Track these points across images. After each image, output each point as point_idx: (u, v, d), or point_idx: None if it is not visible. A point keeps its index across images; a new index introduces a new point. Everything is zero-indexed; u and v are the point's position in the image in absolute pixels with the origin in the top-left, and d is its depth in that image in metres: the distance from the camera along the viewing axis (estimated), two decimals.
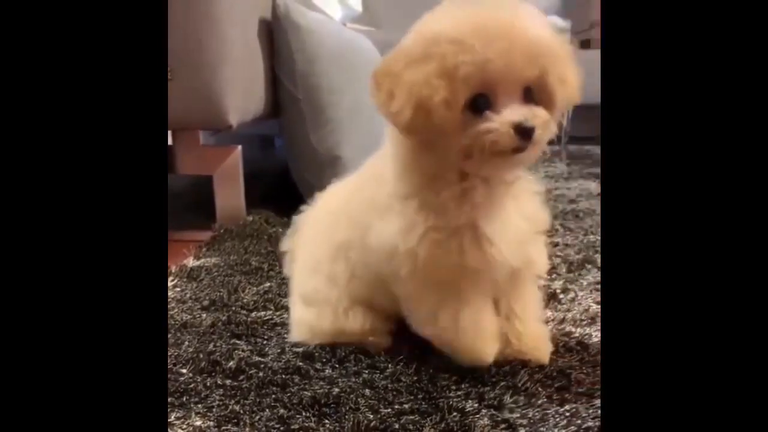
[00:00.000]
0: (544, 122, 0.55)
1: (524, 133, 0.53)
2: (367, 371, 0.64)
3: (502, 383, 0.61)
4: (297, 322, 0.73)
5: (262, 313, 0.80)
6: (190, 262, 1.01)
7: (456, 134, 0.55)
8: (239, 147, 1.24)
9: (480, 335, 0.64)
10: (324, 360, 0.67)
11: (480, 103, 0.54)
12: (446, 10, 0.56)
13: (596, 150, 2.71)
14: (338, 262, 0.69)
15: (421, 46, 0.54)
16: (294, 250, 0.79)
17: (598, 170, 2.13)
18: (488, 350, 0.64)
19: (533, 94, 0.56)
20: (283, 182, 1.41)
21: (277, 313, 0.80)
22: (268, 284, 0.91)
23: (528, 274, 0.67)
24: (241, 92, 1.15)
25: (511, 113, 0.54)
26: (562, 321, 0.76)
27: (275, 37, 1.27)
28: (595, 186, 1.79)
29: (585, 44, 2.10)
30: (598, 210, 1.45)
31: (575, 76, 0.58)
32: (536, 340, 0.67)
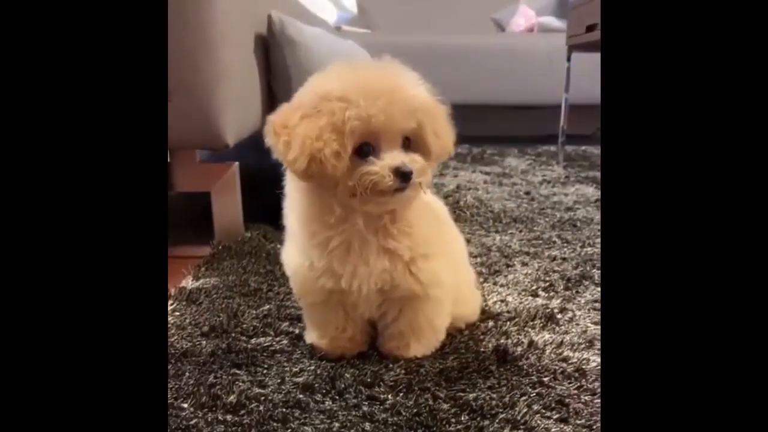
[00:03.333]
0: (422, 167, 0.65)
1: (403, 176, 0.63)
2: (366, 403, 0.65)
3: (501, 415, 0.62)
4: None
5: (262, 339, 0.80)
6: (189, 283, 1.01)
7: (344, 177, 0.64)
8: (236, 163, 1.24)
9: (324, 337, 0.76)
10: (324, 391, 0.67)
11: (365, 150, 0.64)
12: (336, 71, 0.66)
13: (593, 150, 2.71)
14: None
15: (313, 102, 0.63)
16: None
17: (595, 173, 2.13)
18: (356, 347, 0.77)
19: (411, 143, 0.66)
20: (280, 188, 1.40)
21: (277, 339, 0.80)
22: (267, 307, 0.91)
23: (410, 294, 0.72)
24: (238, 111, 1.15)
25: (392, 159, 0.63)
26: (560, 344, 0.77)
27: (271, 52, 1.27)
28: (592, 191, 1.79)
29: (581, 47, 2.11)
30: (597, 218, 1.45)
31: (448, 130, 0.69)
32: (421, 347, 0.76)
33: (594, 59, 2.50)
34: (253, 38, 1.24)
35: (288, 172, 0.71)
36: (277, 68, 1.27)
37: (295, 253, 0.74)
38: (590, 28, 1.94)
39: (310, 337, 0.78)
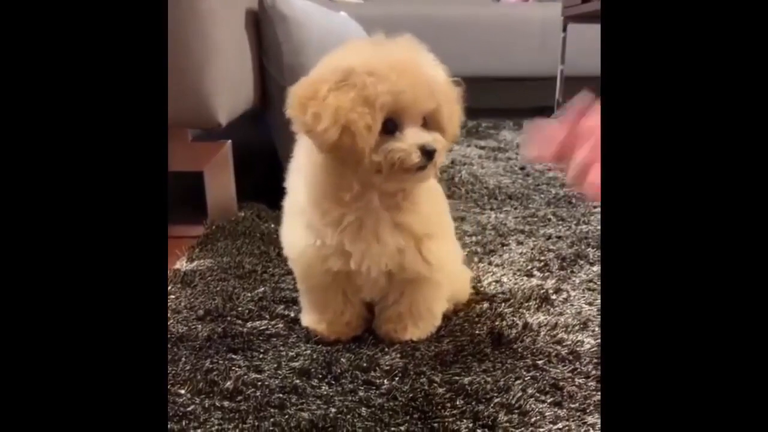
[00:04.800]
0: (443, 146, 0.66)
1: (428, 154, 0.64)
2: (362, 388, 0.65)
3: (496, 399, 0.62)
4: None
5: (258, 323, 0.80)
6: (184, 265, 1.01)
7: (370, 153, 0.63)
8: (229, 141, 1.22)
9: (322, 321, 0.76)
10: (320, 376, 0.67)
11: (390, 127, 0.64)
12: (355, 48, 0.66)
13: None
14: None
15: (339, 76, 0.62)
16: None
17: None
18: (351, 332, 0.77)
19: (427, 124, 0.66)
20: (273, 164, 1.39)
21: (272, 323, 0.81)
22: (262, 289, 0.91)
23: (416, 277, 0.73)
24: (230, 89, 1.13)
25: (418, 136, 0.64)
26: (555, 326, 0.77)
27: (262, 28, 1.24)
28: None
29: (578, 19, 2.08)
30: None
31: (458, 115, 0.69)
32: (418, 331, 0.76)
33: (590, 30, 2.48)
34: (244, 14, 1.22)
35: (302, 148, 0.71)
36: (268, 44, 1.25)
37: (301, 232, 0.72)
38: None
39: (307, 320, 0.78)
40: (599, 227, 1.18)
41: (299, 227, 0.72)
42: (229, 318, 0.82)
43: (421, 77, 0.63)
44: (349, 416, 0.60)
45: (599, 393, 0.63)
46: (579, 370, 0.67)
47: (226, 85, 1.11)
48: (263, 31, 1.24)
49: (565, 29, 2.24)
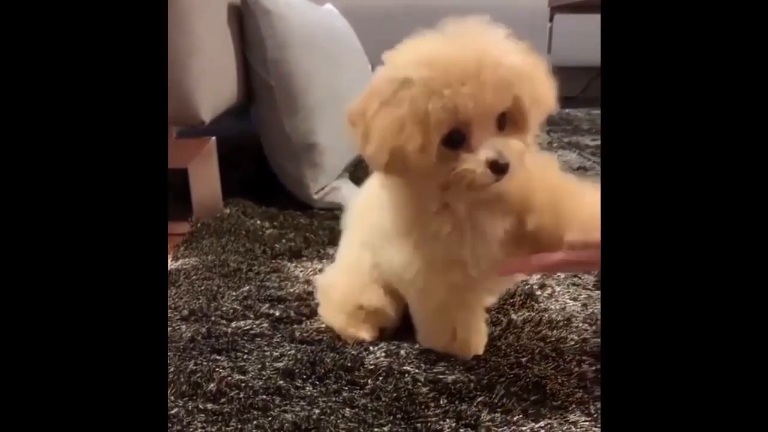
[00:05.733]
0: (519, 153, 0.57)
1: (500, 169, 0.56)
2: (347, 388, 0.65)
3: (479, 398, 0.63)
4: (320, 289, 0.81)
5: (242, 323, 0.80)
6: (169, 264, 1.00)
7: (432, 171, 0.57)
8: (213, 138, 1.21)
9: (471, 340, 0.71)
10: (304, 377, 0.67)
11: (455, 139, 0.56)
12: (412, 48, 0.58)
13: (577, 113, 2.70)
14: (364, 253, 0.75)
15: (392, 88, 0.56)
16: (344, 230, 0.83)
17: (577, 138, 2.13)
18: (479, 347, 0.72)
19: (507, 118, 0.58)
20: (260, 159, 1.38)
21: (257, 322, 0.80)
22: (246, 288, 0.91)
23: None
24: (213, 86, 1.12)
25: (486, 151, 0.56)
26: (539, 323, 0.78)
27: (245, 23, 1.23)
28: (575, 158, 1.79)
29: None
30: None
31: (548, 91, 0.59)
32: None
33: (577, 20, 2.48)
34: (226, 9, 1.20)
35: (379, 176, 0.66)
36: (252, 39, 1.23)
37: (403, 259, 0.65)
38: None
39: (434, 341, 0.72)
40: None
41: (402, 250, 0.66)
42: (213, 318, 0.81)
43: (489, 78, 0.54)
44: (332, 417, 0.60)
45: (581, 390, 0.64)
46: (562, 367, 0.68)
47: (209, 81, 1.10)
48: (246, 26, 1.23)
49: (551, 19, 2.24)
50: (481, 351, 0.71)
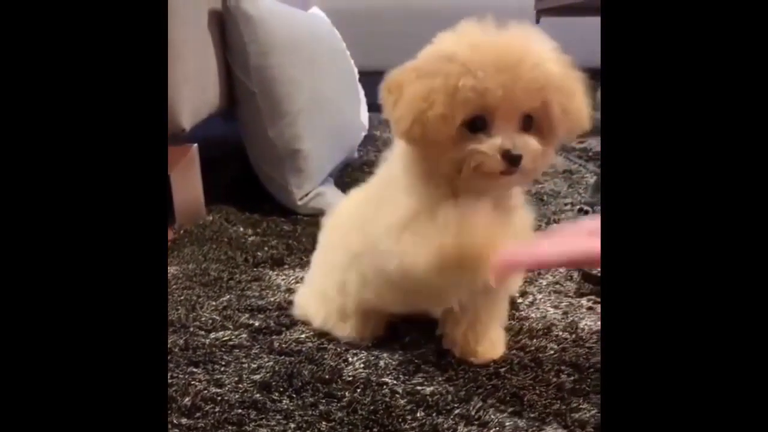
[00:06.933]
0: (534, 152, 0.59)
1: (511, 159, 0.57)
2: (324, 401, 0.65)
3: (456, 411, 0.62)
4: (298, 303, 0.83)
5: (221, 334, 0.79)
6: None
7: (450, 148, 0.59)
8: (195, 145, 1.20)
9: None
10: (281, 389, 0.67)
11: (477, 124, 0.58)
12: (464, 32, 0.60)
13: None
14: (350, 272, 0.73)
15: (432, 62, 0.59)
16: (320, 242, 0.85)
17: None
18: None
19: (534, 121, 0.60)
20: (245, 161, 1.37)
21: (236, 333, 0.80)
22: (227, 297, 0.90)
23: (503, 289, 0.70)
24: (193, 93, 1.11)
25: (502, 139, 0.58)
26: (519, 332, 0.77)
27: (227, 29, 1.22)
28: (561, 160, 1.79)
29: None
30: (563, 191, 1.46)
31: (581, 106, 0.61)
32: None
33: (565, 21, 2.48)
34: (207, 14, 1.20)
35: (400, 146, 0.67)
36: (234, 45, 1.23)
37: (417, 239, 0.61)
38: None
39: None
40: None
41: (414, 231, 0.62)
42: (191, 329, 0.80)
43: (521, 75, 0.56)
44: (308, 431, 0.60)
45: (559, 402, 0.63)
46: (540, 377, 0.67)
47: (190, 88, 1.09)
48: (228, 32, 1.22)
49: (538, 21, 2.24)
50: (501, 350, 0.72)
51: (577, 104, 0.60)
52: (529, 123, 0.60)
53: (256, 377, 0.69)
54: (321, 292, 0.79)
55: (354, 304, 0.75)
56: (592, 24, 2.39)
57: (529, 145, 0.58)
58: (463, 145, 0.58)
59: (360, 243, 0.70)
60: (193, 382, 0.68)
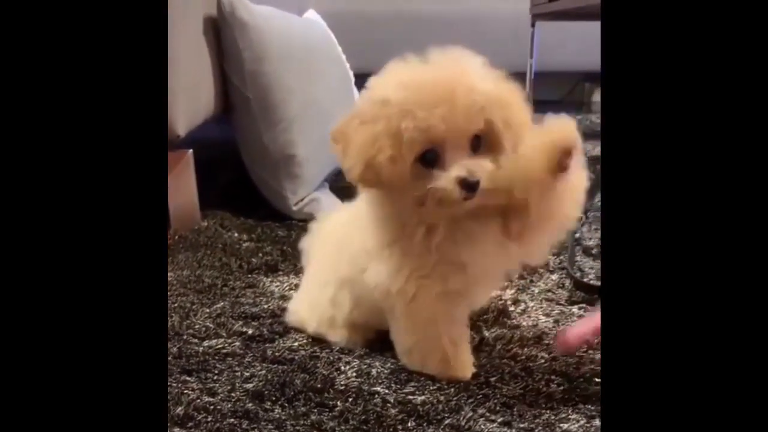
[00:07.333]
0: (490, 172, 0.60)
1: (469, 186, 0.59)
2: (316, 411, 0.65)
3: (447, 420, 0.63)
4: (292, 310, 0.83)
5: (214, 342, 0.80)
6: None
7: (407, 186, 0.61)
8: (190, 151, 1.21)
9: (459, 359, 0.70)
10: (273, 398, 0.67)
11: (429, 158, 0.60)
12: (392, 73, 0.63)
13: None
14: (343, 291, 0.76)
15: (371, 108, 0.61)
16: (308, 251, 0.86)
17: None
18: (467, 371, 0.70)
19: (482, 140, 0.62)
20: (240, 165, 1.38)
21: (229, 341, 0.80)
22: (220, 304, 0.90)
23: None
24: (188, 99, 1.11)
25: (456, 169, 0.59)
26: (510, 341, 0.78)
27: (222, 35, 1.23)
28: None
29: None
30: None
31: (522, 116, 0.63)
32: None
33: (560, 26, 2.49)
34: (202, 21, 1.20)
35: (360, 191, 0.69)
36: (229, 51, 1.23)
37: (392, 267, 0.66)
38: None
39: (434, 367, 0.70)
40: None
41: (390, 260, 0.66)
42: (185, 336, 0.81)
43: (461, 102, 0.58)
44: None
45: (548, 411, 0.64)
46: (530, 387, 0.68)
47: (185, 94, 1.10)
48: (223, 39, 1.23)
49: (533, 25, 2.25)
50: (469, 373, 0.70)
51: (518, 115, 0.62)
52: (478, 144, 0.62)
53: (249, 386, 0.69)
54: (314, 301, 0.80)
55: (345, 317, 0.76)
56: (587, 28, 2.41)
57: (483, 167, 0.60)
58: (421, 182, 0.60)
59: (347, 269, 0.73)
60: (186, 391, 0.68)
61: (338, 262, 0.75)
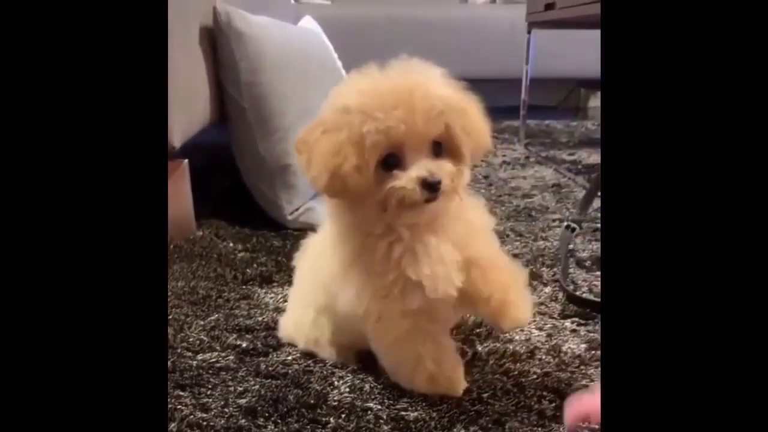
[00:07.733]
0: (450, 173, 0.62)
1: (430, 186, 0.60)
2: (309, 427, 0.65)
3: None
4: (282, 326, 0.84)
5: (208, 355, 0.80)
6: None
7: (371, 192, 0.61)
8: (186, 161, 1.21)
9: (446, 376, 0.70)
10: (266, 415, 0.67)
11: (390, 162, 0.61)
12: (353, 82, 0.64)
13: (556, 125, 2.72)
14: (322, 318, 0.77)
15: (333, 117, 0.61)
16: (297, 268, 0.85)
17: (554, 153, 2.14)
18: (458, 387, 0.70)
19: (443, 146, 0.63)
20: (235, 171, 1.38)
21: (223, 354, 0.80)
22: (215, 316, 0.90)
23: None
24: (184, 110, 1.11)
25: (417, 169, 0.60)
26: (503, 355, 0.78)
27: (218, 45, 1.23)
28: (551, 174, 1.80)
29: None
30: (552, 206, 1.47)
31: (481, 125, 0.65)
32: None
33: (555, 34, 2.50)
34: (198, 30, 1.20)
35: (325, 203, 0.70)
36: (225, 61, 1.23)
37: (356, 288, 0.66)
38: (549, 6, 1.92)
39: (424, 388, 0.70)
40: (556, 242, 1.19)
41: (355, 279, 0.67)
42: (179, 350, 0.81)
43: (419, 105, 0.59)
44: None
45: (540, 428, 0.64)
46: (522, 403, 0.68)
47: (180, 105, 1.10)
48: (219, 48, 1.23)
49: (529, 32, 2.25)
50: (460, 388, 0.70)
51: (476, 123, 0.64)
52: (438, 149, 0.63)
53: (242, 401, 0.70)
54: (298, 321, 0.81)
55: (329, 339, 0.77)
56: (582, 36, 2.41)
57: (444, 168, 0.61)
58: (383, 185, 0.61)
59: (322, 297, 0.74)
60: (179, 407, 0.69)
61: (314, 288, 0.76)
